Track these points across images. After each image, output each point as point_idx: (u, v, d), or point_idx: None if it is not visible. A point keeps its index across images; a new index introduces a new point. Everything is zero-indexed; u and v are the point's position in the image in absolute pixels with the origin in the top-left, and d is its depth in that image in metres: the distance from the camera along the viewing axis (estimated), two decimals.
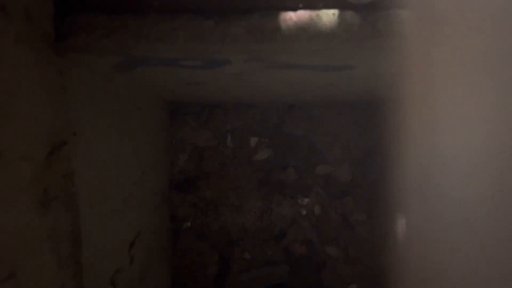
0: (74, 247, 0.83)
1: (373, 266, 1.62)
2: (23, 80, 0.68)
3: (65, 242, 0.80)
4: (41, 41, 0.71)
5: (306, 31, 0.69)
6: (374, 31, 0.69)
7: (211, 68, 0.89)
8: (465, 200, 0.50)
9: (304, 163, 1.63)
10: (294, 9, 0.70)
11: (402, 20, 0.68)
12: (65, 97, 0.80)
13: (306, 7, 0.70)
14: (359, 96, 1.41)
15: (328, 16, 0.69)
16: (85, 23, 0.72)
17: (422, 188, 0.63)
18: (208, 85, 1.15)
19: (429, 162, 0.61)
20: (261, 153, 1.64)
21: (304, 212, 1.64)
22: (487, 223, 0.45)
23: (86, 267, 0.88)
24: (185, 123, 1.64)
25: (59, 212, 0.78)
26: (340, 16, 0.69)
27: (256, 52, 0.74)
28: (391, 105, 1.54)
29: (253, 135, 1.64)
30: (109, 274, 1.04)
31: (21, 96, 0.68)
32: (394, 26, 0.69)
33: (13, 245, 0.66)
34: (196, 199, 1.65)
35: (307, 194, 1.64)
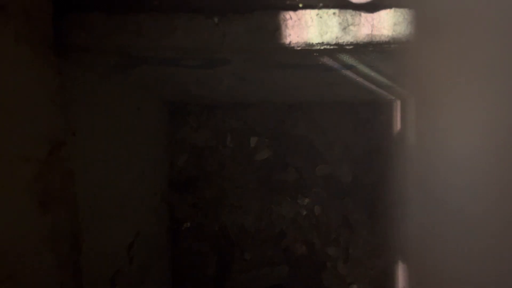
0: (74, 247, 0.83)
1: (373, 266, 1.62)
2: (22, 80, 0.68)
3: (65, 242, 0.80)
4: (40, 41, 0.71)
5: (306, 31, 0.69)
6: (374, 31, 0.69)
7: (211, 68, 0.89)
8: (466, 200, 0.50)
9: (304, 163, 1.63)
10: (294, 8, 0.69)
11: (403, 19, 0.68)
12: (65, 97, 0.80)
13: (306, 6, 0.69)
14: (359, 96, 1.41)
15: (329, 15, 0.69)
16: (85, 22, 0.72)
17: (423, 188, 0.63)
18: (208, 85, 1.15)
19: (429, 161, 0.61)
20: (261, 153, 1.64)
21: (304, 212, 1.64)
22: (488, 224, 0.45)
23: (85, 268, 0.87)
24: (185, 123, 1.64)
25: (59, 212, 0.78)
26: (340, 15, 0.69)
27: (256, 52, 0.74)
28: (392, 105, 1.53)
29: (253, 135, 1.64)
30: (109, 275, 1.04)
31: (20, 96, 0.67)
32: (395, 25, 0.68)
33: (12, 246, 0.65)
34: (196, 199, 1.65)
35: (307, 194, 1.63)
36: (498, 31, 0.41)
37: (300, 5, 0.69)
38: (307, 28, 0.69)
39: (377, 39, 0.69)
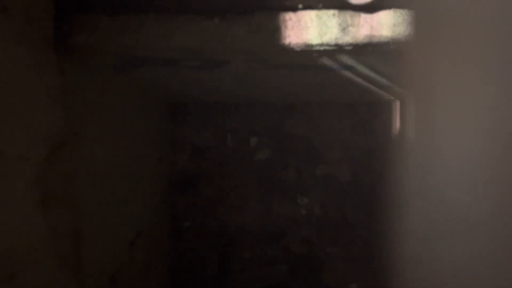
0: (75, 247, 0.83)
1: (373, 266, 1.62)
2: (23, 80, 0.68)
3: (66, 242, 0.80)
4: (41, 41, 0.71)
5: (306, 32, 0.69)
6: (374, 31, 0.69)
7: (211, 68, 0.90)
8: (465, 200, 0.50)
9: (304, 163, 1.63)
10: (294, 9, 0.70)
11: (402, 20, 0.68)
12: (65, 97, 0.80)
13: (306, 7, 0.70)
14: (359, 96, 1.41)
15: (328, 16, 0.69)
16: (86, 23, 0.73)
17: (422, 188, 0.63)
18: (208, 85, 1.15)
19: (429, 162, 0.61)
20: (261, 153, 1.64)
21: (304, 212, 1.64)
22: (487, 224, 0.45)
23: (86, 267, 0.88)
24: (185, 123, 1.64)
25: (60, 212, 0.78)
26: (340, 16, 0.69)
27: (256, 52, 0.75)
28: (391, 105, 1.54)
29: (253, 135, 1.64)
30: (110, 274, 1.05)
31: (21, 96, 0.68)
32: (394, 26, 0.69)
33: (14, 245, 0.66)
34: (196, 199, 1.66)
35: (307, 194, 1.64)
36: (498, 31, 0.42)
37: (300, 6, 0.70)
38: (307, 29, 0.69)
39: (377, 39, 0.69)
